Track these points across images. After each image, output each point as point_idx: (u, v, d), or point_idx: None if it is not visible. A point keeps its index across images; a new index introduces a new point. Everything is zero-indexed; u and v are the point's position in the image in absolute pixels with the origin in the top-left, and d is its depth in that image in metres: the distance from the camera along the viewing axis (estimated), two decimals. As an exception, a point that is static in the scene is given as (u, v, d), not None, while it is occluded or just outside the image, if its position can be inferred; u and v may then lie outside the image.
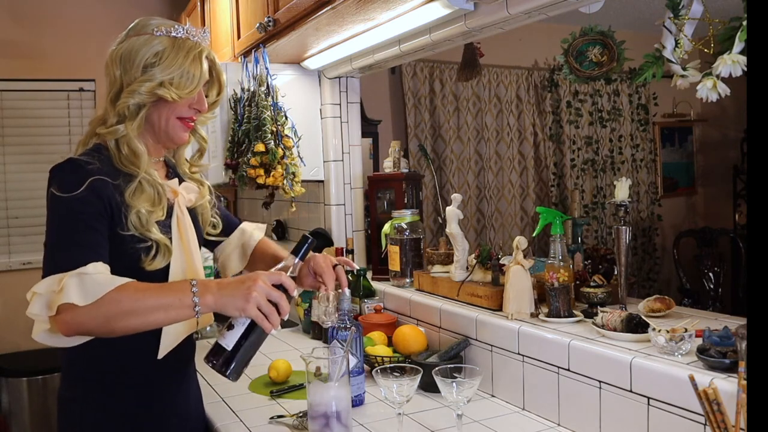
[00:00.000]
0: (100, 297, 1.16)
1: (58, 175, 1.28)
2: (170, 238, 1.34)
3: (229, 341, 1.23)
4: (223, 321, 1.29)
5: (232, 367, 1.22)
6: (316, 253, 1.49)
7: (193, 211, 1.47)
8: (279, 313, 1.22)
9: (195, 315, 1.21)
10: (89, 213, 1.24)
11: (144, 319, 1.20)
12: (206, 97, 1.45)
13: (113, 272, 1.22)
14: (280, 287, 1.24)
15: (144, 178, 1.32)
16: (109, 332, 1.21)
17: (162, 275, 1.32)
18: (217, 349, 1.24)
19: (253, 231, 1.68)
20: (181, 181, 1.49)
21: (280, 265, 1.32)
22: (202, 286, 1.21)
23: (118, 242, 1.27)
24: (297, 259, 1.32)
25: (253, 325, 1.22)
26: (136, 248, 1.28)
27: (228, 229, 1.66)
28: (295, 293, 1.27)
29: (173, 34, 1.35)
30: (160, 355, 1.36)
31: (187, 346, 1.47)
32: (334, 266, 1.46)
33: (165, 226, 1.35)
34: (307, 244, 1.33)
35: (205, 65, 1.38)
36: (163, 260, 1.31)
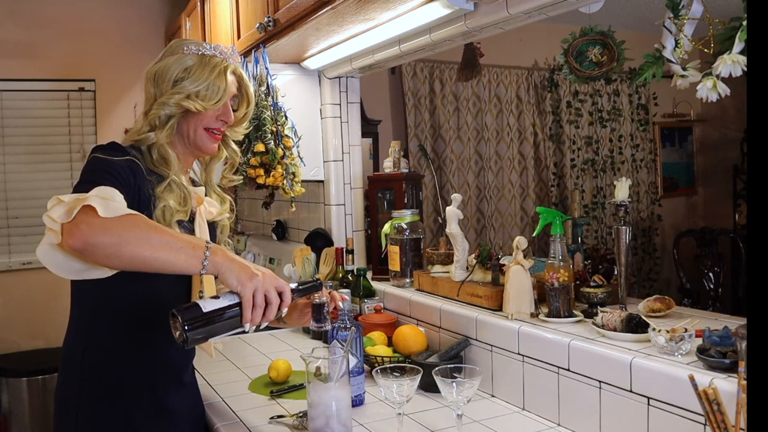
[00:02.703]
0: (120, 215, 1.17)
1: (101, 148, 1.36)
2: None
3: (207, 305, 1.19)
4: None
5: (194, 329, 1.16)
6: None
7: (212, 226, 1.54)
8: (263, 314, 1.22)
9: (201, 268, 1.20)
10: (120, 176, 1.30)
11: (153, 253, 1.17)
12: (236, 110, 1.55)
13: None
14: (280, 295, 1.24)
15: (173, 180, 1.40)
16: (115, 254, 1.17)
17: (175, 276, 1.33)
18: (192, 306, 1.19)
19: None
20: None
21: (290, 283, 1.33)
22: (215, 247, 1.22)
23: None
24: (299, 292, 1.32)
25: (235, 307, 1.20)
26: None
27: None
28: (284, 311, 1.26)
29: (202, 51, 1.46)
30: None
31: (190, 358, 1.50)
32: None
33: (187, 229, 1.40)
34: (311, 284, 1.36)
35: (230, 79, 1.48)
36: None
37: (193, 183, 1.56)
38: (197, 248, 1.20)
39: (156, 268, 1.20)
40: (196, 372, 1.60)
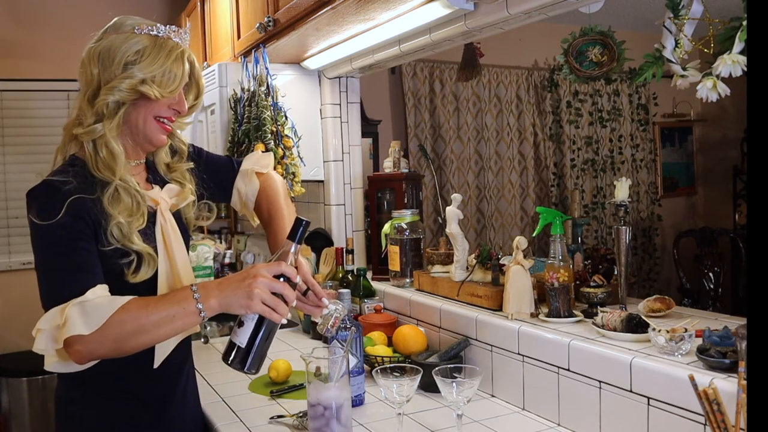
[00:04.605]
0: (105, 322, 1.16)
1: (35, 201, 1.25)
2: (155, 247, 1.32)
3: (242, 338, 1.24)
4: (219, 321, 1.28)
5: (248, 362, 1.24)
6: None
7: (177, 215, 1.45)
8: (286, 303, 1.22)
9: (201, 320, 1.22)
10: (74, 236, 1.22)
11: (152, 335, 1.21)
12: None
13: None
14: (281, 276, 1.23)
15: (119, 185, 1.29)
16: (121, 353, 1.22)
17: (148, 286, 1.31)
18: (231, 347, 1.25)
19: (247, 191, 1.62)
20: (163, 183, 1.46)
21: (278, 254, 1.30)
22: (203, 290, 1.21)
23: (101, 260, 1.26)
24: (295, 245, 1.29)
25: (262, 319, 1.23)
26: (118, 264, 1.27)
27: (225, 188, 1.62)
28: (298, 279, 1.26)
29: (154, 32, 1.32)
30: (156, 364, 1.36)
31: (183, 347, 1.47)
32: (305, 293, 1.37)
33: (148, 235, 1.33)
34: (301, 228, 1.30)
35: (187, 66, 1.36)
36: (149, 270, 1.30)
37: (148, 168, 1.47)
38: (188, 305, 1.20)
39: (163, 340, 1.25)
40: (196, 372, 1.60)
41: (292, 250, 1.29)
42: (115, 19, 1.36)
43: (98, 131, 1.28)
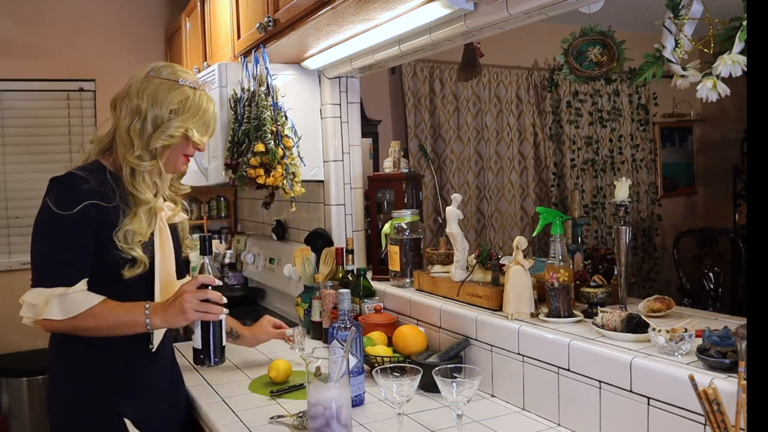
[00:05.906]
0: (76, 315, 1.42)
1: (56, 189, 1.45)
2: (151, 251, 1.54)
3: (197, 343, 1.55)
4: None
5: (211, 357, 1.56)
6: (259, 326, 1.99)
7: (173, 227, 1.68)
8: (217, 303, 1.49)
9: (148, 331, 1.48)
10: (77, 233, 1.44)
11: (107, 332, 1.47)
12: None
13: (97, 275, 1.47)
14: (204, 287, 1.48)
15: (150, 208, 1.52)
16: (80, 332, 1.47)
17: (143, 280, 1.52)
18: (195, 351, 1.57)
19: None
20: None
21: (198, 269, 1.56)
22: (152, 309, 1.47)
23: (102, 248, 1.47)
24: (207, 257, 1.57)
25: (204, 325, 1.54)
26: (119, 257, 1.48)
27: None
28: (217, 282, 1.52)
29: (193, 86, 1.58)
30: (154, 348, 1.57)
31: (168, 341, 1.65)
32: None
33: (147, 249, 1.53)
34: (206, 242, 1.59)
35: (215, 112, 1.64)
36: (138, 269, 1.51)
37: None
38: (138, 317, 1.46)
39: (114, 335, 1.49)
40: (198, 372, 1.63)
41: (207, 261, 1.56)
42: (160, 65, 1.60)
43: (144, 167, 1.52)
